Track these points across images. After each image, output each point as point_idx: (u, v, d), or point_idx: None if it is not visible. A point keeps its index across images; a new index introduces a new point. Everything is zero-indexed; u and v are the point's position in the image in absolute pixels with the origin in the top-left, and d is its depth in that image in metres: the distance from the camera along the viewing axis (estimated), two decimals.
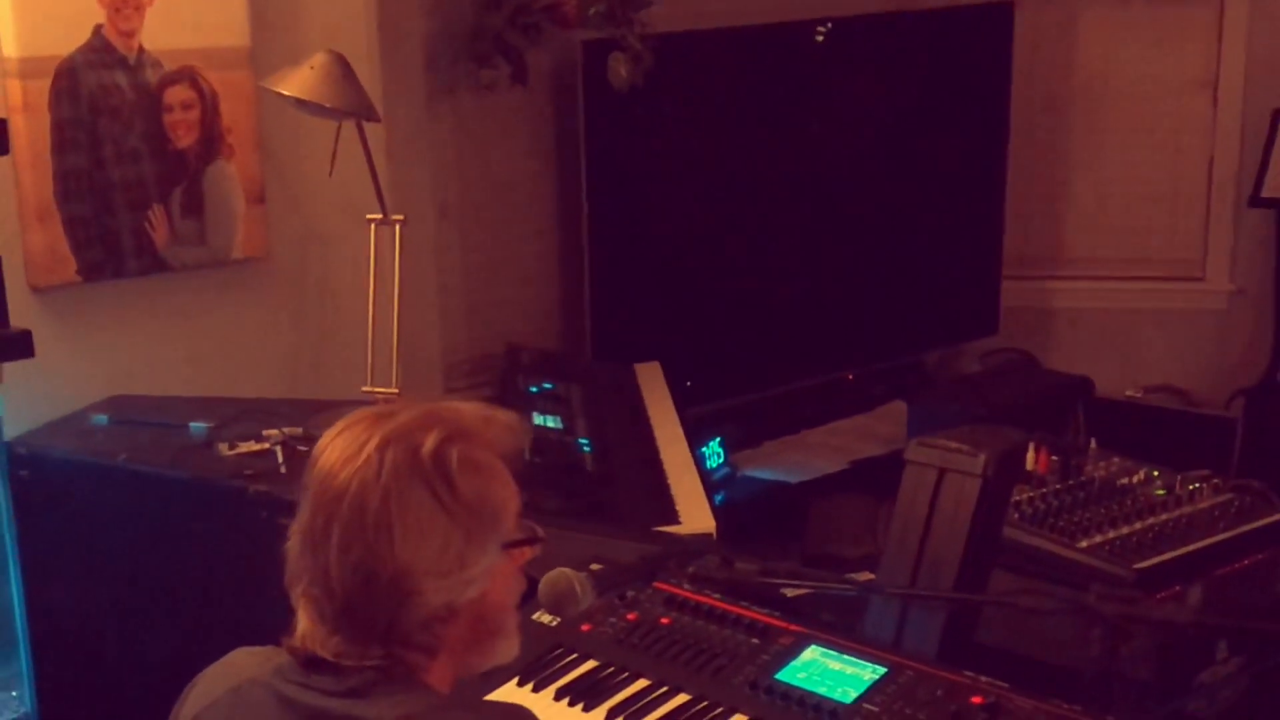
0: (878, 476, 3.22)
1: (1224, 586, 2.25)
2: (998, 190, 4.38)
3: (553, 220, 3.77)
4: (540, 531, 1.41)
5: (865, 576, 2.15)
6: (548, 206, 3.76)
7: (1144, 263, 4.47)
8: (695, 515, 2.78)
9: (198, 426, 2.69)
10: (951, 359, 4.51)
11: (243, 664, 1.39)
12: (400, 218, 2.72)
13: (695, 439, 3.24)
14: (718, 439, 3.76)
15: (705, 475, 3.12)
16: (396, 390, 2.68)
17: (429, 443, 1.32)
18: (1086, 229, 4.51)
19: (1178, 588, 2.18)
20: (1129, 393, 4.27)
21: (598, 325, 3.72)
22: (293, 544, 1.33)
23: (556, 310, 3.82)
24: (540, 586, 1.66)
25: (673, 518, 2.78)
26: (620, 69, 3.47)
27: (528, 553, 1.41)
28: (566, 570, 1.68)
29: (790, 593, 2.02)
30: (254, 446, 2.63)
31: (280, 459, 2.58)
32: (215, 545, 2.52)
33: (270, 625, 1.36)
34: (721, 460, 3.77)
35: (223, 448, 2.62)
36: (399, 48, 3.27)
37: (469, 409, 1.39)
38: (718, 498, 3.35)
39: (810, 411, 4.17)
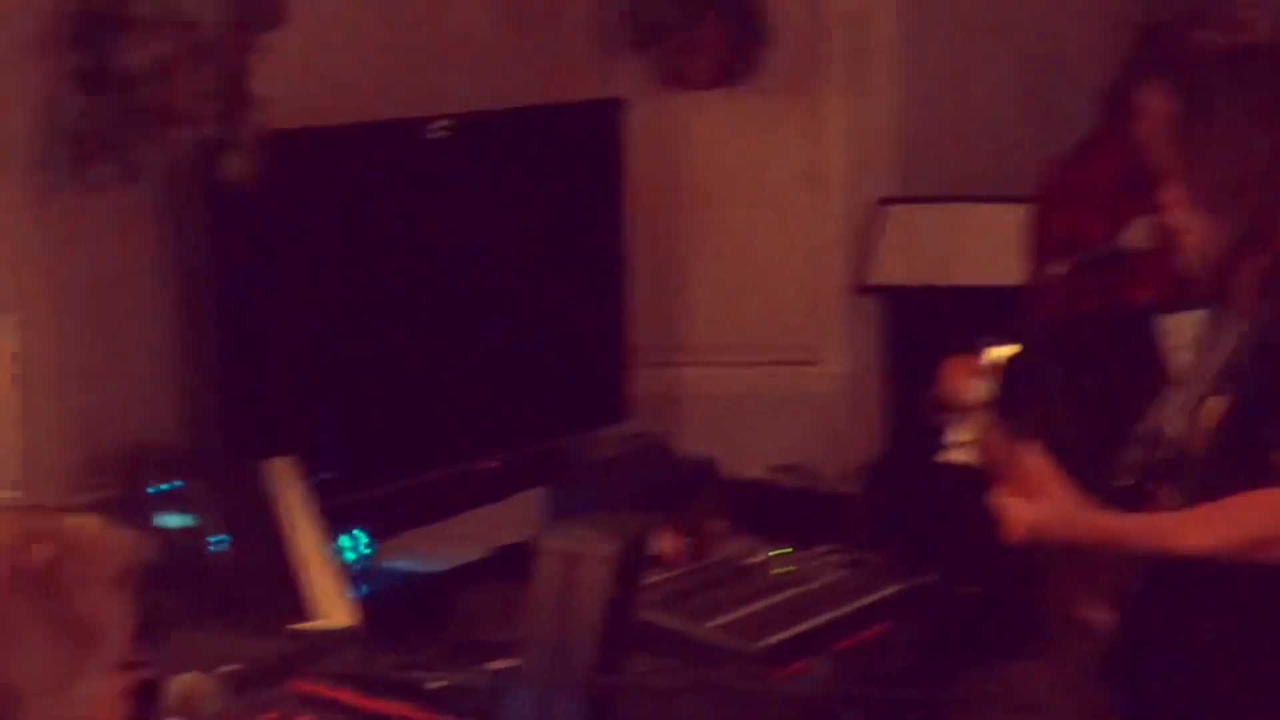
0: (520, 564, 3.24)
1: (850, 658, 2.34)
2: (619, 282, 4.49)
3: (176, 316, 3.69)
4: (152, 656, 1.38)
5: (508, 664, 2.17)
6: (170, 303, 3.67)
7: (765, 348, 4.65)
8: (334, 609, 2.75)
9: None
10: (587, 445, 4.58)
11: None
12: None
13: (335, 531, 3.20)
14: (359, 530, 3.73)
15: (345, 568, 3.08)
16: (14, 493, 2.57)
17: (37, 558, 1.28)
18: (709, 317, 4.67)
19: (805, 661, 2.26)
20: (757, 473, 4.42)
21: (229, 420, 3.64)
22: None
23: (185, 407, 3.73)
24: (168, 692, 1.62)
25: (310, 614, 2.75)
26: (235, 166, 3.44)
27: (137, 675, 1.38)
28: (195, 674, 1.65)
29: (431, 684, 2.02)
30: None
31: None
32: None
33: None
34: (363, 552, 3.74)
35: None
36: None
37: (81, 522, 1.35)
38: (360, 590, 3.31)
39: (452, 499, 4.17)
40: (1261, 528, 2.03)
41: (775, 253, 4.62)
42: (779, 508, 4.24)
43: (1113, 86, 3.51)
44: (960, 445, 2.29)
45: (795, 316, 4.63)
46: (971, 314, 4.23)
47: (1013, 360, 2.50)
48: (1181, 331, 2.90)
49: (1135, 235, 2.75)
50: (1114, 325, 3.06)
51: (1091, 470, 2.86)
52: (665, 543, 2.41)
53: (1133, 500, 2.25)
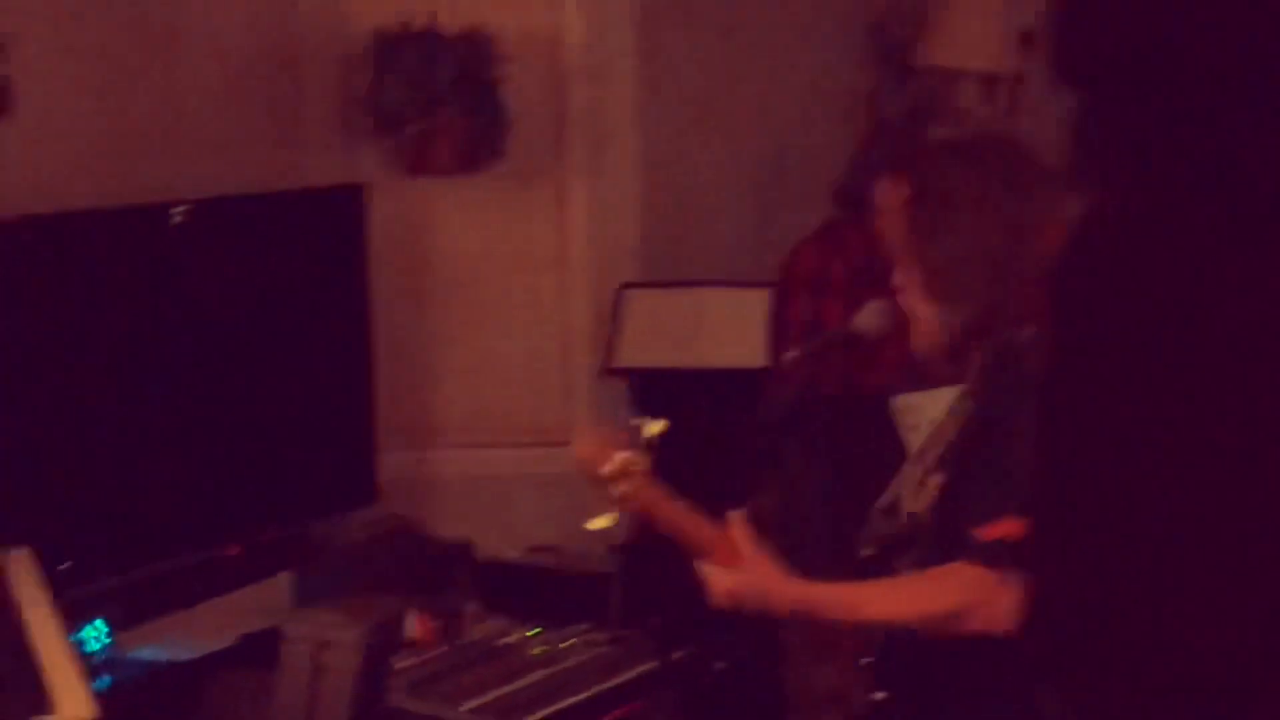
0: (267, 651, 3.20)
1: None
2: (366, 365, 4.48)
3: None
4: None
5: None
6: None
7: (516, 429, 4.69)
8: (74, 702, 2.68)
9: None
10: (334, 530, 4.54)
11: None
12: None
13: (75, 622, 3.12)
14: (100, 620, 3.64)
15: (87, 659, 3.00)
16: None
17: None
18: (460, 400, 4.69)
19: None
20: (511, 555, 4.43)
21: None
22: None
23: None
24: None
25: (47, 708, 2.67)
26: None
27: None
28: None
29: None
30: None
31: None
32: None
33: None
34: (105, 642, 3.65)
35: None
36: None
37: None
38: (102, 682, 3.23)
39: (197, 586, 4.09)
40: (952, 602, 2.09)
41: (523, 335, 4.68)
42: (535, 588, 4.26)
43: (846, 178, 3.65)
44: (603, 516, 2.36)
45: (545, 398, 4.68)
46: (715, 395, 4.35)
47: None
48: (917, 411, 3.03)
49: (870, 319, 2.85)
50: (853, 406, 3.17)
51: (835, 542, 2.97)
52: (417, 626, 2.41)
53: (875, 571, 2.33)
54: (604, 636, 2.51)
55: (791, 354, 2.74)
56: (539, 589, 4.30)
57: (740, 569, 2.26)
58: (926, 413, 3.06)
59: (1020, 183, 2.21)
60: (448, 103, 4.51)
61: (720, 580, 2.28)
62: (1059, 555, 1.88)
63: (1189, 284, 1.12)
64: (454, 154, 4.57)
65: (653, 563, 4.34)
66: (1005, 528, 1.96)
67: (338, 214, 4.45)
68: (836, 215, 3.63)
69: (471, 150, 4.59)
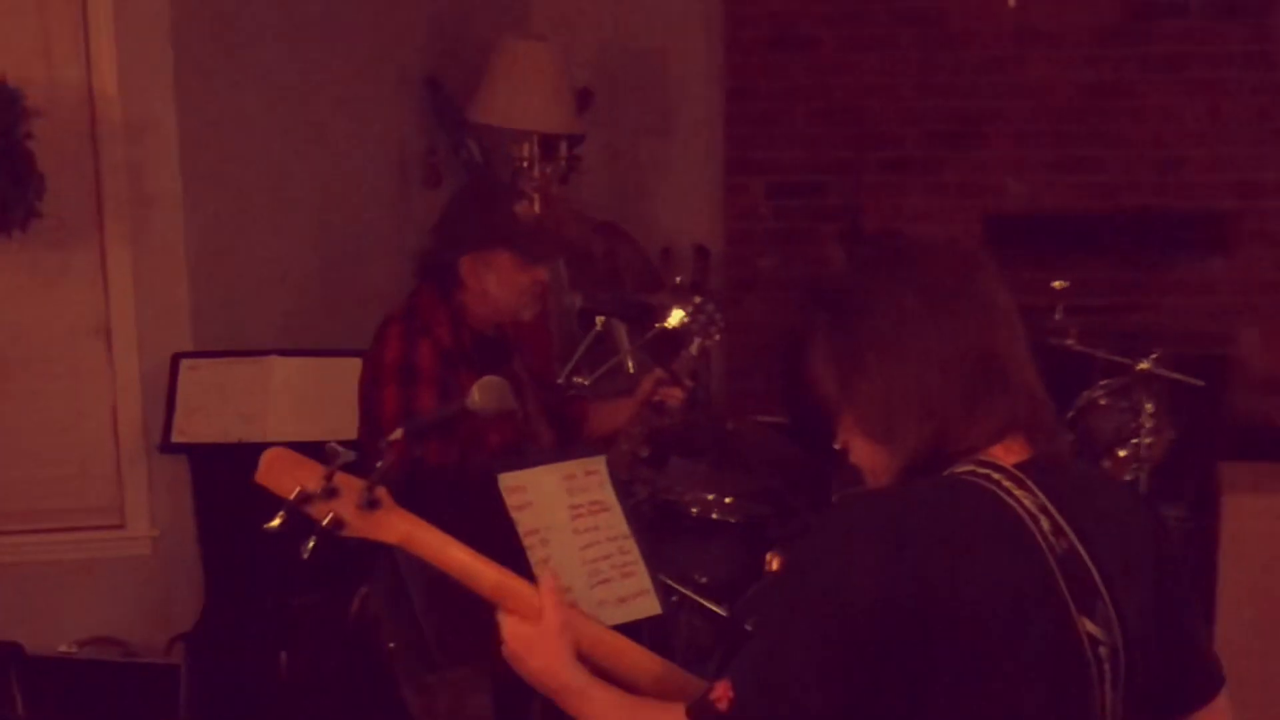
0: None
1: None
2: None
3: None
4: None
5: None
6: None
7: (63, 514, 4.37)
8: None
9: None
10: None
11: None
12: None
13: None
14: None
15: None
16: None
17: None
18: (2, 483, 4.33)
19: None
20: (63, 649, 4.12)
21: None
22: None
23: None
24: None
25: None
26: None
27: None
28: None
29: None
30: None
31: None
32: None
33: None
34: None
35: None
36: None
37: None
38: None
39: None
40: None
41: (70, 411, 4.37)
42: (90, 684, 3.98)
43: (432, 248, 3.58)
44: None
45: (97, 478, 4.38)
46: None
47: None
48: (523, 491, 3.00)
49: (484, 396, 2.81)
50: (459, 483, 3.11)
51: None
52: None
53: None
54: None
55: (395, 435, 2.64)
56: (97, 684, 4.01)
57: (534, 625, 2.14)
58: (531, 491, 3.03)
59: (944, 291, 1.93)
60: None
61: (512, 632, 2.14)
62: None
63: None
64: None
65: (224, 652, 4.16)
66: (722, 689, 1.91)
67: None
68: (422, 286, 3.55)
69: (1, 210, 4.26)
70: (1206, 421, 4.87)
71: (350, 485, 2.21)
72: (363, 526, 2.21)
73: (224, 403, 4.30)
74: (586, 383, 4.14)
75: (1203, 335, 5.75)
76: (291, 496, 2.17)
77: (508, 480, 2.96)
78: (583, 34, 5.99)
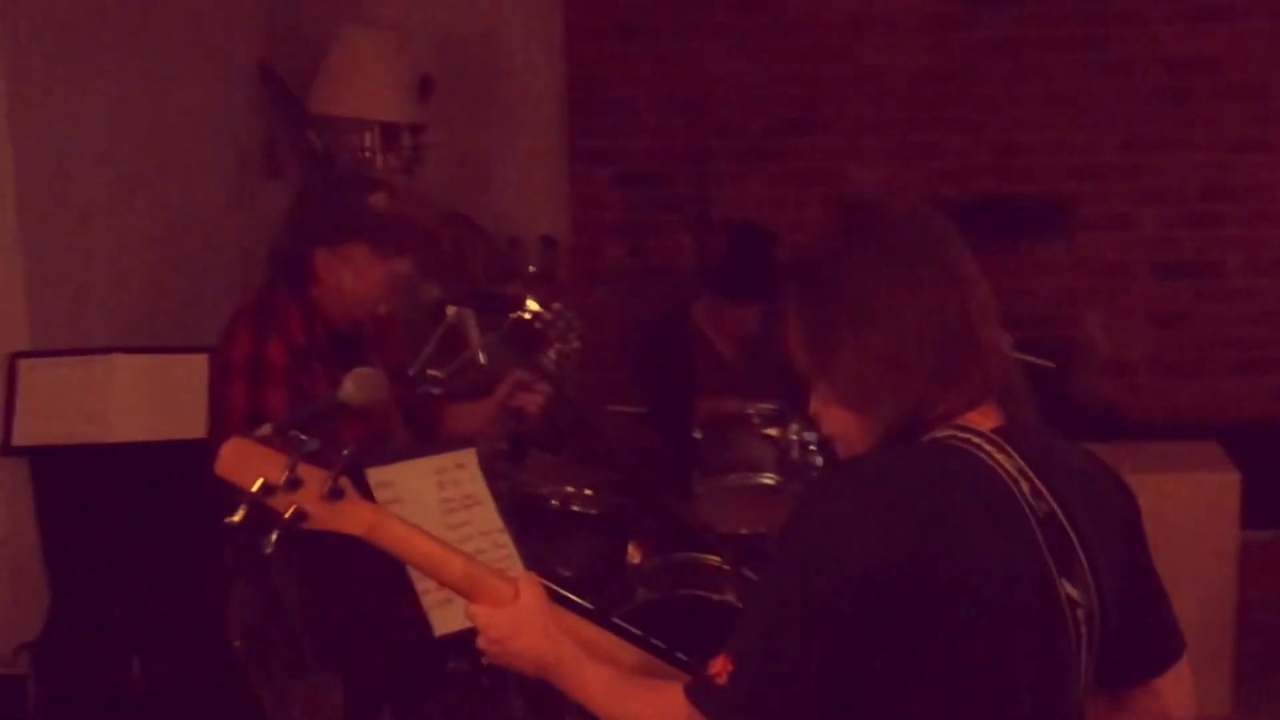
0: None
1: None
2: None
3: None
4: None
5: None
6: None
7: None
8: None
9: None
10: None
11: None
12: None
13: None
14: None
15: None
16: None
17: None
18: None
19: None
20: None
21: None
22: None
23: None
24: None
25: None
26: None
27: None
28: None
29: None
30: None
31: None
32: None
33: None
34: None
35: None
36: None
37: None
38: None
39: None
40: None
41: None
42: None
43: (284, 243, 3.49)
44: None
45: None
46: (128, 471, 4.05)
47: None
48: (391, 486, 2.93)
49: (356, 389, 2.76)
50: None
51: None
52: None
53: None
54: None
55: (263, 430, 2.56)
56: None
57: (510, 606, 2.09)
58: (401, 487, 2.97)
59: (913, 258, 1.94)
60: None
61: (487, 620, 2.10)
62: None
63: None
64: None
65: (73, 659, 4.02)
66: (719, 665, 1.89)
67: None
68: (273, 281, 3.46)
69: None
70: (1057, 403, 4.94)
71: (314, 476, 2.15)
72: (327, 518, 2.14)
73: (66, 403, 4.15)
74: (441, 375, 4.06)
75: (1049, 318, 5.86)
76: (254, 489, 2.10)
77: (375, 475, 2.89)
78: (422, 21, 5.90)
